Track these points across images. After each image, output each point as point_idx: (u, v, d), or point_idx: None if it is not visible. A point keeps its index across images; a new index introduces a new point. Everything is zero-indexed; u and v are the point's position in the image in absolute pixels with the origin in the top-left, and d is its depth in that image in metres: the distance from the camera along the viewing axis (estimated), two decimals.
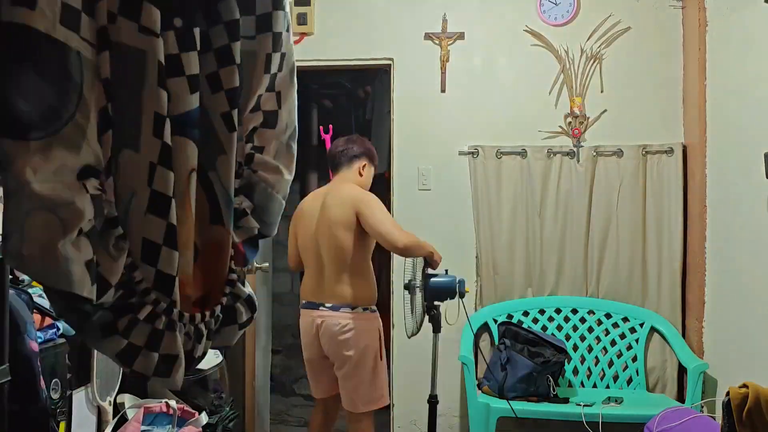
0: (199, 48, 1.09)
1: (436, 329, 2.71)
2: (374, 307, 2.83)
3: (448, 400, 3.47)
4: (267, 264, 3.32)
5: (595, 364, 3.36)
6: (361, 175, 2.90)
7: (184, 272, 1.12)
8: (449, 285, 2.70)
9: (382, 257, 3.55)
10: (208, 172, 1.17)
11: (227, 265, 1.21)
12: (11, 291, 1.51)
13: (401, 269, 2.92)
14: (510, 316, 3.37)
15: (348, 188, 2.81)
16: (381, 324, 2.84)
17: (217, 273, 1.20)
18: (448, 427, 3.48)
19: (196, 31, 1.08)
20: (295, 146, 1.35)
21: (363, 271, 2.79)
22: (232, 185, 1.19)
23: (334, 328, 2.73)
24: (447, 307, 2.80)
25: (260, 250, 1.43)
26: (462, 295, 2.70)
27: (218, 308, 1.20)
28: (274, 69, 1.25)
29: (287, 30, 1.27)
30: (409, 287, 2.75)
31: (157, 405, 2.40)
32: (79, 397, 2.18)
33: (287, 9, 1.26)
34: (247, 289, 1.28)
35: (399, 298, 2.93)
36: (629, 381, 3.32)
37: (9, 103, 0.86)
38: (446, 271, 2.81)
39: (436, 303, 2.71)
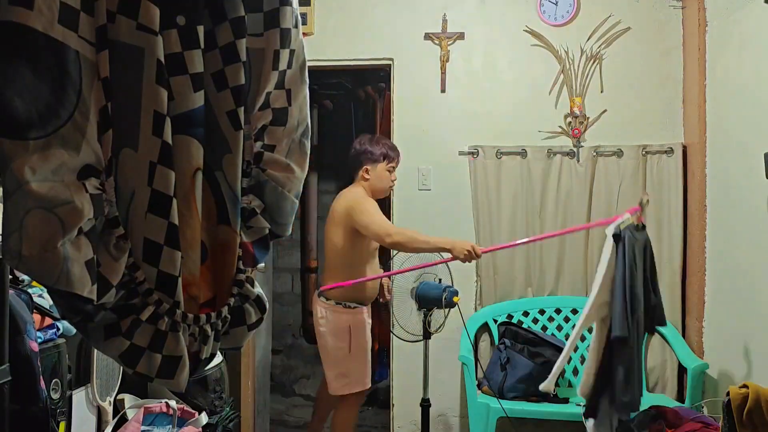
0: (203, 46, 1.08)
1: (425, 335, 2.74)
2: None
3: (448, 400, 3.46)
4: (263, 265, 3.30)
5: None
6: (365, 179, 3.00)
7: (190, 272, 1.11)
8: (435, 294, 2.72)
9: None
10: (214, 171, 1.16)
11: (234, 265, 1.20)
12: (11, 291, 1.51)
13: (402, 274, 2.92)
14: (510, 316, 3.37)
15: (348, 194, 3.00)
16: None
17: (224, 273, 1.20)
18: (448, 427, 3.48)
19: (200, 29, 1.07)
20: (308, 144, 1.33)
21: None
22: (239, 184, 1.18)
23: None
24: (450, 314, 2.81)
25: None
26: (450, 306, 2.71)
27: (225, 309, 1.19)
28: (282, 66, 1.24)
29: (296, 26, 1.26)
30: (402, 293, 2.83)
31: (157, 405, 2.39)
32: (79, 397, 2.17)
33: (295, 5, 1.24)
34: (257, 290, 1.26)
35: (399, 302, 2.93)
36: None
37: (7, 103, 0.86)
38: (440, 280, 2.82)
39: (423, 310, 2.75)
